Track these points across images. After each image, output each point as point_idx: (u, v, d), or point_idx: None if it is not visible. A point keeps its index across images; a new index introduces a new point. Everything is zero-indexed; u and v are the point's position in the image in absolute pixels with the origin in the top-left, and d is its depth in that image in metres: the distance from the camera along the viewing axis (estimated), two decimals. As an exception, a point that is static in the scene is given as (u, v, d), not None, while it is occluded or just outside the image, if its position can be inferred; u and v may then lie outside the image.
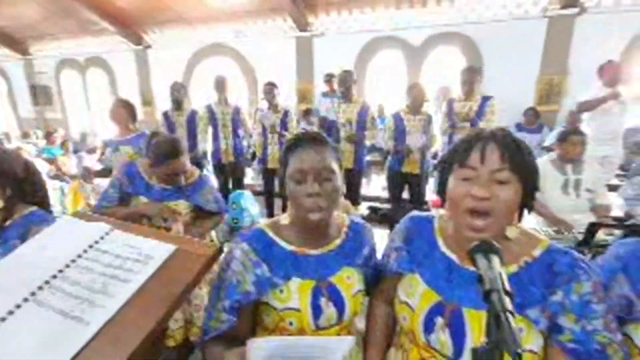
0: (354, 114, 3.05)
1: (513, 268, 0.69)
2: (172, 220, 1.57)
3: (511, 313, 0.41)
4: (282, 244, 0.83)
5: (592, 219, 2.25)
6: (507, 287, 0.44)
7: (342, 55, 5.72)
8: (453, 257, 0.76)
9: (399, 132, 3.11)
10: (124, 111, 2.70)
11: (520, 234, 0.73)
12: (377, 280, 0.92)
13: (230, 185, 3.70)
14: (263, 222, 0.90)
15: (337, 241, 0.88)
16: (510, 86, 4.99)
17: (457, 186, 0.67)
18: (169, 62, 7.00)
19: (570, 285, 0.65)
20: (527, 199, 0.69)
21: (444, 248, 0.77)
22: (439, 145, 3.42)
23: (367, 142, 3.34)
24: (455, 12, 5.14)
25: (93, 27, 6.82)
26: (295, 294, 0.79)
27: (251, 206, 2.97)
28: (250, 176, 4.73)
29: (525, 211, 0.71)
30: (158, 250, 0.71)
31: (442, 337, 0.70)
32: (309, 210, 0.77)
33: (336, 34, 5.80)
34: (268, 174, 3.58)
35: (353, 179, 3.29)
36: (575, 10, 4.56)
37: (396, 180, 3.27)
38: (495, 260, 0.49)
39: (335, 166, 0.80)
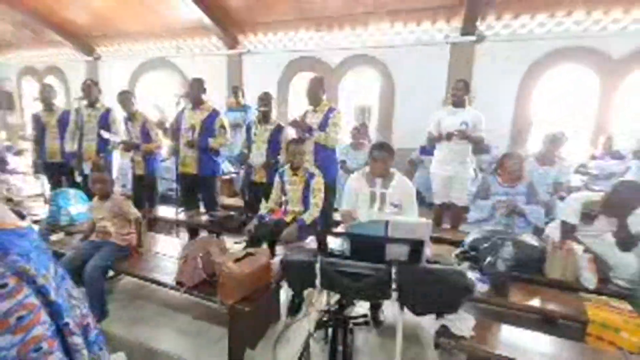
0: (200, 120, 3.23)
1: None
2: None
3: None
4: None
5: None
6: None
7: (267, 73, 5.94)
8: None
9: (251, 142, 3.28)
10: None
11: None
12: None
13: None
14: None
15: None
16: (420, 107, 5.05)
17: None
18: (116, 73, 7.28)
19: None
20: None
21: None
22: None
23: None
24: (368, 37, 5.31)
25: (48, 37, 7.20)
26: None
27: (73, 205, 2.95)
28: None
29: None
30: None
31: None
32: None
33: (264, 53, 6.02)
34: None
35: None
36: (473, 37, 4.67)
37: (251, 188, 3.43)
38: None
39: None
